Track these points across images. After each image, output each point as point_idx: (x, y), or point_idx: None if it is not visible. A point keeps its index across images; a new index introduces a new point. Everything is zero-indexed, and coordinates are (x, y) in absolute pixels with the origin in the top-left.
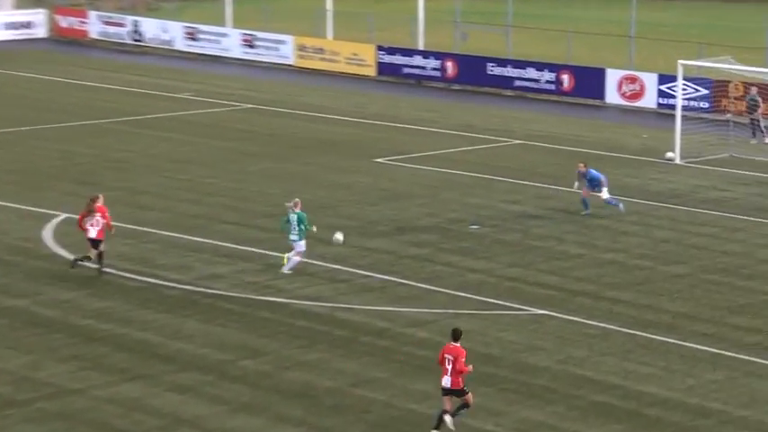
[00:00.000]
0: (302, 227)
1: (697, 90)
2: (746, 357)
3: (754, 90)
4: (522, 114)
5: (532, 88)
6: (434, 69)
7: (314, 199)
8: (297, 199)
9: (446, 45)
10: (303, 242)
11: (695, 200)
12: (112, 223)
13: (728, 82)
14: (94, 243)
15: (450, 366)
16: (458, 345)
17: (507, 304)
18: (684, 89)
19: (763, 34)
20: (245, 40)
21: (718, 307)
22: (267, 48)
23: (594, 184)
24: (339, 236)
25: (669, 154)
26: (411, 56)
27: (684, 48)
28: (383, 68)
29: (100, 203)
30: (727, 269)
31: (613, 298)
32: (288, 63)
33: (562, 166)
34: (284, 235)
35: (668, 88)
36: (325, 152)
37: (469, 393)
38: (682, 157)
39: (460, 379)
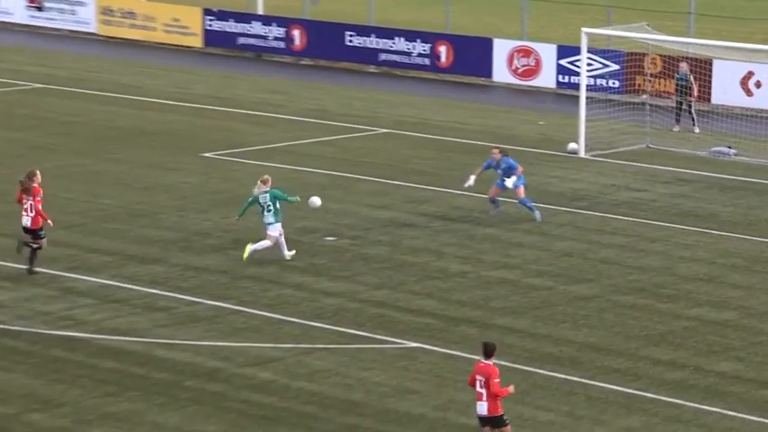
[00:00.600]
0: (278, 206)
1: (605, 65)
2: (668, 399)
3: (684, 67)
4: (389, 96)
5: (402, 63)
6: (278, 39)
7: (124, 205)
8: (266, 175)
9: (293, 8)
10: (279, 224)
11: (604, 202)
12: (47, 217)
13: (644, 55)
14: (28, 231)
15: (485, 390)
16: (490, 362)
17: (372, 336)
18: (590, 64)
19: None
20: (32, 2)
21: (634, 336)
22: (61, 11)
23: (509, 177)
24: (316, 200)
25: (572, 145)
26: (248, 22)
27: (590, 12)
28: (212, 38)
29: (36, 182)
30: (643, 289)
31: (504, 326)
32: (89, 31)
33: (439, 161)
34: (240, 220)
35: (570, 63)
36: (139, 145)
37: (509, 425)
38: (587, 150)
39: (499, 404)
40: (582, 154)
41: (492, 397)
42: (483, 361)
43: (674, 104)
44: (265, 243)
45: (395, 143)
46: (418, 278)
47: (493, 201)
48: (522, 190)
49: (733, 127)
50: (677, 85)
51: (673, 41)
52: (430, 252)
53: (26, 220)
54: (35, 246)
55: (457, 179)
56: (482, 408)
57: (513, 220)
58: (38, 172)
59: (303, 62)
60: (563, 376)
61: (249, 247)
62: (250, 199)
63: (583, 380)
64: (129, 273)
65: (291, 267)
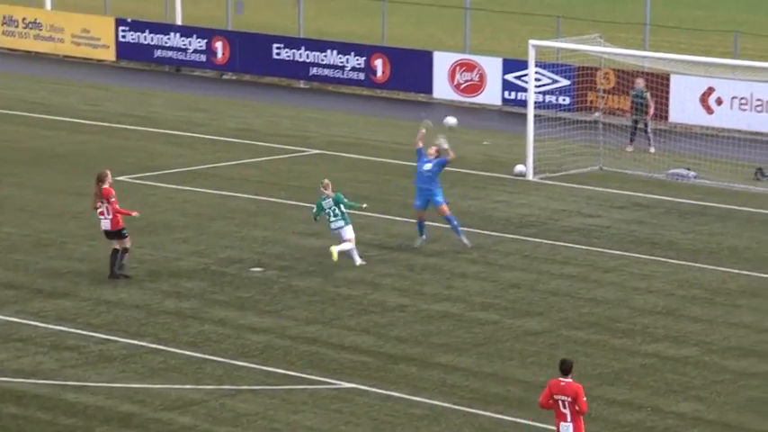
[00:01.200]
0: (341, 209)
1: (555, 80)
2: None
3: (640, 83)
4: (320, 114)
5: (335, 78)
6: (198, 52)
7: (29, 233)
8: (326, 180)
9: (214, 19)
10: (350, 227)
11: (554, 229)
12: (130, 212)
13: (597, 69)
14: (110, 235)
15: (569, 410)
16: (570, 380)
17: (303, 376)
18: (538, 79)
19: (641, 5)
20: None
21: (587, 374)
22: None
23: (434, 188)
24: (451, 120)
25: (519, 167)
26: (166, 33)
27: (538, 23)
28: (126, 51)
29: (106, 184)
30: (597, 323)
31: (447, 364)
32: None
33: (376, 185)
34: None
35: (516, 78)
36: (45, 168)
37: None
38: (536, 172)
39: (583, 426)
40: (530, 177)
41: (578, 417)
42: (563, 379)
43: (630, 123)
44: (346, 246)
45: (327, 165)
46: (353, 312)
47: (420, 225)
48: (445, 207)
49: (692, 147)
50: (633, 102)
51: (627, 54)
52: (366, 284)
53: (105, 224)
54: (121, 248)
55: (395, 204)
56: (568, 429)
57: (455, 248)
58: (108, 173)
59: (226, 77)
60: (511, 419)
61: (335, 250)
62: (315, 207)
63: (532, 423)
64: (34, 308)
65: (214, 301)
